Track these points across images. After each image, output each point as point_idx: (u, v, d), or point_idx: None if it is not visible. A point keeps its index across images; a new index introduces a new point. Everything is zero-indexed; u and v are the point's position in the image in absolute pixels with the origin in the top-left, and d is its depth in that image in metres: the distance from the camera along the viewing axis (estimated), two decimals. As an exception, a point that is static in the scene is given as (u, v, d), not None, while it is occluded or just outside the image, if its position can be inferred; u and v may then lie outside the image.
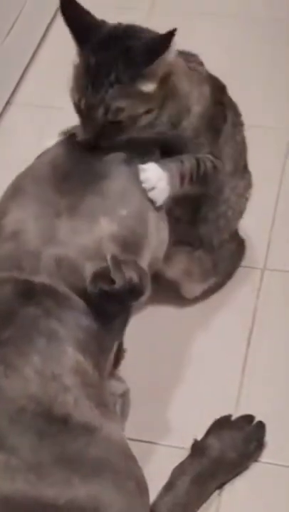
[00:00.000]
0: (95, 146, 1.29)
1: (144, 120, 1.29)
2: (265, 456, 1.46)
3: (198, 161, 1.39)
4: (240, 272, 1.73)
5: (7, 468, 1.10)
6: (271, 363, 1.60)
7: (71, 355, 1.20)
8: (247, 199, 1.59)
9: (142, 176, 1.30)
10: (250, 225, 1.69)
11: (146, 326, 1.66)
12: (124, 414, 1.49)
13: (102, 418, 1.21)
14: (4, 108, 2.16)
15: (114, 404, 1.44)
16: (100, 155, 1.30)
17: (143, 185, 1.30)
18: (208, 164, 1.41)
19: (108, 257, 1.20)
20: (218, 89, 1.46)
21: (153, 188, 1.30)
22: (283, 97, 2.09)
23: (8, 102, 2.18)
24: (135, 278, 1.21)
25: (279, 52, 2.22)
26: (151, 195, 1.31)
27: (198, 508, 1.40)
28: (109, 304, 1.21)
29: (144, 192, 1.30)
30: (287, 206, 1.84)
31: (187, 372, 1.59)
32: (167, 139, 1.36)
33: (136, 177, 1.30)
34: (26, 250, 1.23)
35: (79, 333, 1.21)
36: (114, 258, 1.20)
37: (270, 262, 1.75)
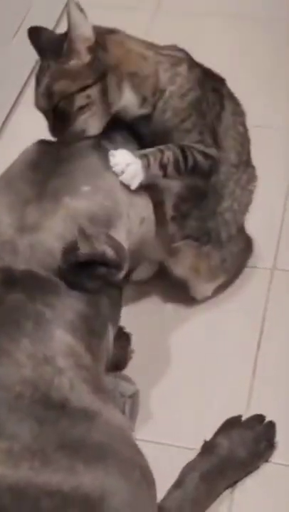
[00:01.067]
0: (59, 140, 1.35)
1: (83, 99, 1.32)
2: (277, 456, 1.45)
3: (183, 151, 1.40)
4: (249, 273, 1.73)
5: (10, 455, 1.10)
6: (281, 363, 1.59)
7: (61, 337, 1.21)
8: (251, 192, 1.59)
9: (112, 161, 1.32)
10: (259, 224, 1.68)
11: (155, 327, 1.66)
12: (133, 415, 1.49)
13: (100, 403, 1.21)
14: (12, 108, 2.17)
15: (123, 405, 1.45)
16: (69, 144, 1.35)
17: (113, 169, 1.32)
18: (198, 156, 1.42)
19: (75, 231, 1.22)
20: (212, 77, 1.48)
21: (122, 172, 1.33)
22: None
23: (16, 102, 2.18)
24: (109, 251, 1.22)
25: (283, 52, 2.22)
26: (122, 178, 1.33)
27: (207, 506, 1.40)
28: (84, 278, 1.22)
29: (110, 172, 1.32)
30: None
31: (197, 373, 1.59)
32: (151, 128, 1.40)
33: (102, 157, 1.33)
34: (2, 241, 1.26)
35: (66, 314, 1.22)
36: (80, 230, 1.22)
37: (280, 261, 1.75)
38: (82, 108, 1.32)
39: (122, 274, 1.25)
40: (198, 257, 1.59)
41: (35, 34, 1.38)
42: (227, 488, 1.42)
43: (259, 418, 1.47)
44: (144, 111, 1.39)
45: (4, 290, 1.23)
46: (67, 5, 1.29)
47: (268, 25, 2.30)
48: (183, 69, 1.42)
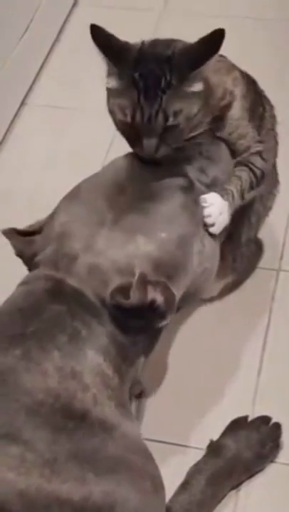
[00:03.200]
0: (156, 159, 1.32)
1: (198, 119, 1.31)
2: (282, 456, 1.46)
3: (250, 168, 1.41)
4: (254, 274, 1.73)
5: (22, 461, 1.10)
6: (287, 363, 1.59)
7: (92, 357, 1.21)
8: (274, 196, 1.60)
9: (205, 212, 1.33)
10: (265, 226, 1.67)
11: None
12: (140, 414, 1.50)
13: (120, 417, 1.21)
14: (19, 109, 2.17)
15: (130, 404, 1.45)
16: (160, 176, 1.33)
17: (205, 219, 1.33)
18: (260, 162, 1.42)
19: (136, 274, 1.22)
20: (249, 79, 1.48)
21: (214, 224, 1.34)
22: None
23: (23, 103, 2.19)
24: (160, 300, 1.22)
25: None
26: (212, 230, 1.34)
27: (213, 507, 1.40)
28: (127, 318, 1.23)
29: (192, 219, 1.32)
30: None
31: (203, 372, 1.59)
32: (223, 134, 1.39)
33: (189, 202, 1.32)
34: (66, 253, 1.27)
35: (101, 337, 1.23)
36: (141, 275, 1.22)
37: (285, 263, 1.75)
38: (195, 127, 1.32)
39: (165, 323, 1.25)
40: None
41: (100, 34, 1.31)
42: (232, 489, 1.42)
43: (265, 419, 1.48)
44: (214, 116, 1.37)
45: (49, 299, 1.24)
46: (222, 35, 1.25)
47: (272, 25, 2.30)
48: (237, 73, 1.42)
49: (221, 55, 1.42)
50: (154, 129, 1.29)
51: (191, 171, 1.37)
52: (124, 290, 1.21)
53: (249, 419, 1.48)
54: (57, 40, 2.32)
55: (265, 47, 2.24)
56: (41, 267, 1.29)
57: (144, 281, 1.22)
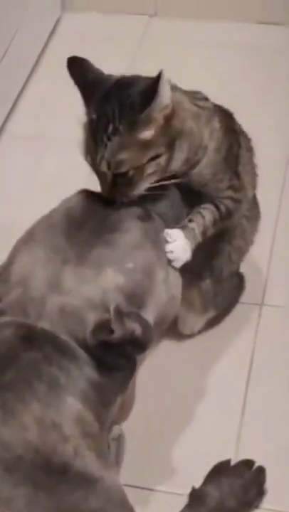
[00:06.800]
0: (113, 200, 1.29)
1: (153, 167, 1.28)
2: (267, 502, 1.42)
3: (217, 205, 1.39)
4: (238, 308, 1.70)
5: None
6: (271, 403, 1.56)
7: (71, 405, 1.18)
8: (256, 230, 1.58)
9: (168, 247, 1.31)
10: (248, 260, 1.65)
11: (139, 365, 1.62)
12: (118, 458, 1.46)
13: (101, 469, 1.18)
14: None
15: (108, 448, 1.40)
16: (115, 208, 1.30)
17: (168, 255, 1.31)
18: (229, 204, 1.41)
19: (111, 308, 1.19)
20: (227, 117, 1.45)
21: (175, 260, 1.32)
22: (279, 124, 2.08)
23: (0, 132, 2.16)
24: (138, 330, 1.20)
25: (272, 79, 2.22)
26: (173, 264, 1.32)
27: None
28: (110, 355, 1.20)
29: (154, 248, 1.29)
30: (284, 242, 1.82)
31: (184, 413, 1.55)
32: (187, 178, 1.36)
33: (149, 231, 1.29)
34: (32, 297, 1.23)
35: (80, 382, 1.19)
36: (117, 309, 1.19)
37: (268, 297, 1.73)
38: (150, 175, 1.28)
39: (145, 353, 1.23)
40: (194, 291, 1.57)
41: (77, 67, 1.30)
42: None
43: (248, 463, 1.44)
44: (181, 169, 1.34)
45: (22, 346, 1.19)
46: (159, 77, 1.21)
47: (254, 53, 2.29)
48: (216, 122, 1.38)
49: (205, 98, 1.40)
50: (103, 176, 1.27)
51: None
52: (104, 326, 1.18)
53: (232, 461, 1.45)
54: (33, 71, 2.30)
55: (246, 74, 2.23)
56: (8, 314, 1.24)
57: (121, 314, 1.19)
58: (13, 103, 2.21)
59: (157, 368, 1.60)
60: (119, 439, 1.45)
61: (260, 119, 2.04)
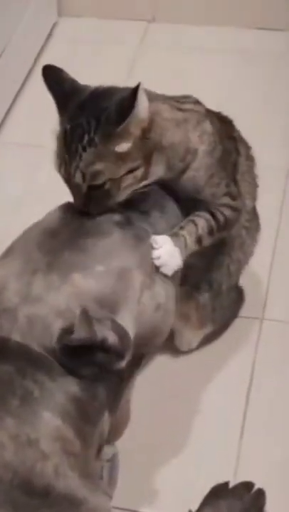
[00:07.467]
0: (88, 212, 1.27)
1: (130, 179, 1.25)
2: (267, 525, 1.38)
3: (213, 214, 1.35)
4: (238, 323, 1.67)
5: None
6: (271, 420, 1.53)
7: (48, 420, 1.13)
8: (256, 242, 1.55)
9: (154, 253, 1.27)
10: (248, 274, 1.62)
11: (138, 381, 1.57)
12: (112, 480, 1.41)
13: (86, 490, 1.14)
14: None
15: (100, 469, 1.35)
16: (94, 216, 1.27)
17: (154, 261, 1.27)
18: (227, 212, 1.37)
19: (77, 311, 1.14)
20: (225, 123, 1.43)
21: (163, 266, 1.28)
22: (278, 135, 2.05)
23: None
24: (112, 337, 1.14)
25: (272, 85, 2.20)
26: (162, 270, 1.28)
27: None
28: (79, 363, 1.14)
29: (133, 253, 1.25)
30: (284, 255, 1.80)
31: (182, 432, 1.51)
32: (180, 184, 1.33)
33: (127, 236, 1.26)
34: (5, 308, 1.19)
35: (58, 396, 1.14)
36: (83, 311, 1.14)
37: (269, 311, 1.70)
38: (127, 187, 1.25)
39: (123, 363, 1.17)
40: (191, 305, 1.54)
41: (53, 76, 1.27)
42: None
43: (247, 485, 1.40)
44: (168, 176, 1.31)
45: None
46: (136, 91, 1.18)
47: (254, 58, 2.27)
48: (207, 125, 1.35)
49: (197, 100, 1.37)
50: (76, 188, 1.25)
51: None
52: (69, 331, 1.13)
53: (231, 483, 1.40)
54: (27, 79, 2.27)
55: (247, 80, 2.21)
56: None
57: (87, 316, 1.14)
58: (7, 110, 2.18)
59: (154, 384, 1.57)
60: (113, 460, 1.41)
61: (260, 125, 2.02)
